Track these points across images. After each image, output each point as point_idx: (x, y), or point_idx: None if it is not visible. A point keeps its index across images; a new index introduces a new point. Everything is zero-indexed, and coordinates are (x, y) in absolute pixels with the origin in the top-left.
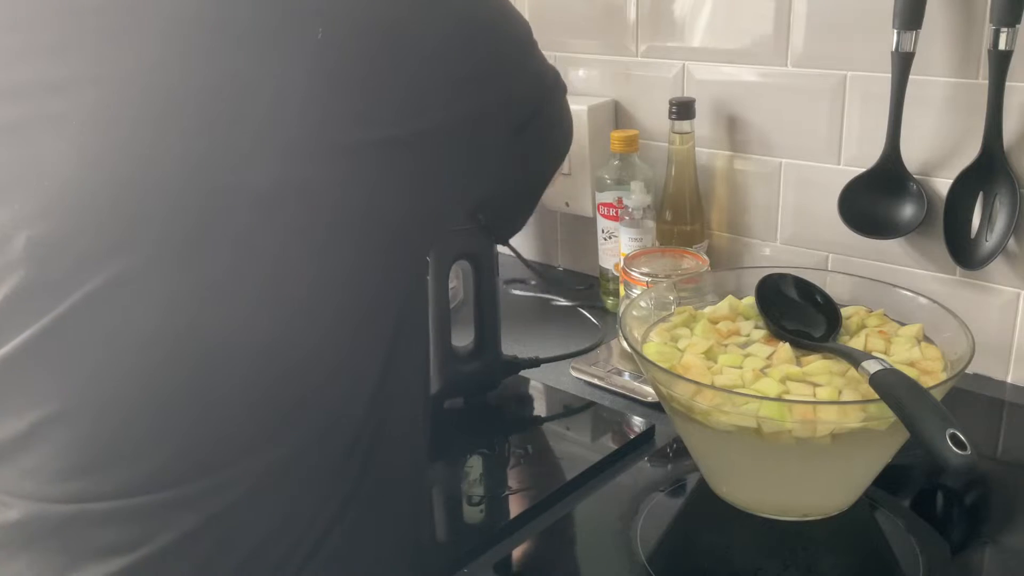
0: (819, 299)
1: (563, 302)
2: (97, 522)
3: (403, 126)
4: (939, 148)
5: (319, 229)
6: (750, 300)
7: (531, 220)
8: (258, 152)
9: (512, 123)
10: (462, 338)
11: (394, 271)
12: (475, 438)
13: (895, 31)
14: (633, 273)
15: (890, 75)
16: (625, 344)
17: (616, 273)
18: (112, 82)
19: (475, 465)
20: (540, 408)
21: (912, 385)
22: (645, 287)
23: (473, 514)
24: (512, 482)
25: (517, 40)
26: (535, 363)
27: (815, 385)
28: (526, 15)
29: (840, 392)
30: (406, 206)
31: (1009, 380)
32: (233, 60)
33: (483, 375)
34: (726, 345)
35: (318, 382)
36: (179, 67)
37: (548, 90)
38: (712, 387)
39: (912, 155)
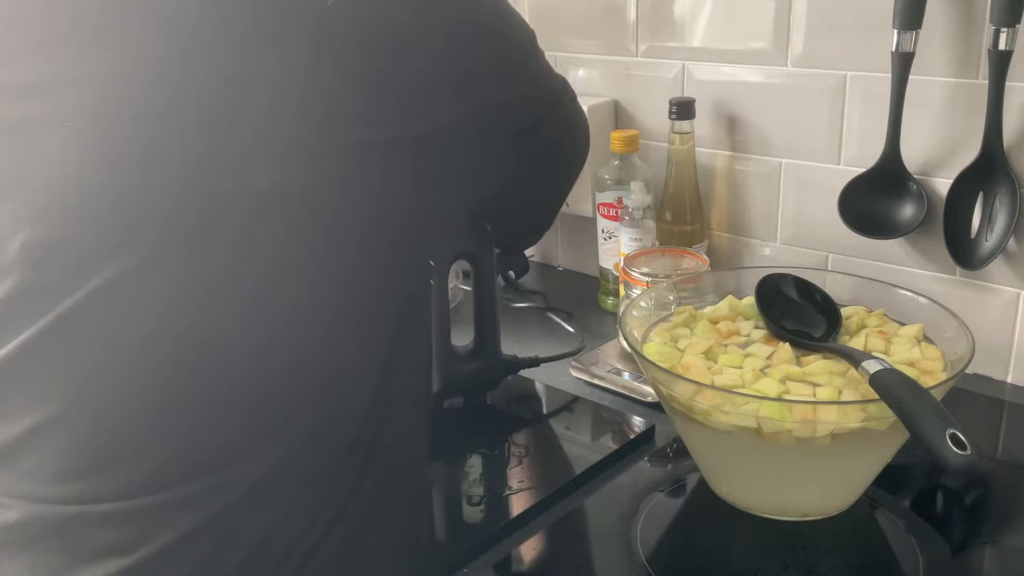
0: (819, 299)
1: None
2: (96, 523)
3: (402, 126)
4: (939, 148)
5: (319, 229)
6: (750, 300)
7: None
8: (258, 153)
9: (513, 126)
10: (462, 338)
11: (394, 271)
12: (475, 438)
13: (895, 31)
14: (633, 273)
15: (890, 75)
16: (625, 344)
17: (616, 273)
18: (112, 82)
19: (475, 465)
20: (540, 408)
21: (912, 385)
22: (645, 287)
23: (473, 514)
24: (512, 482)
25: (518, 43)
26: (534, 362)
27: (815, 385)
28: (526, 15)
29: (840, 392)
30: (406, 206)
31: (1009, 380)
32: (233, 61)
33: (483, 374)
34: (726, 345)
35: (318, 382)
36: (179, 68)
37: (552, 95)
38: (712, 387)
39: (912, 155)
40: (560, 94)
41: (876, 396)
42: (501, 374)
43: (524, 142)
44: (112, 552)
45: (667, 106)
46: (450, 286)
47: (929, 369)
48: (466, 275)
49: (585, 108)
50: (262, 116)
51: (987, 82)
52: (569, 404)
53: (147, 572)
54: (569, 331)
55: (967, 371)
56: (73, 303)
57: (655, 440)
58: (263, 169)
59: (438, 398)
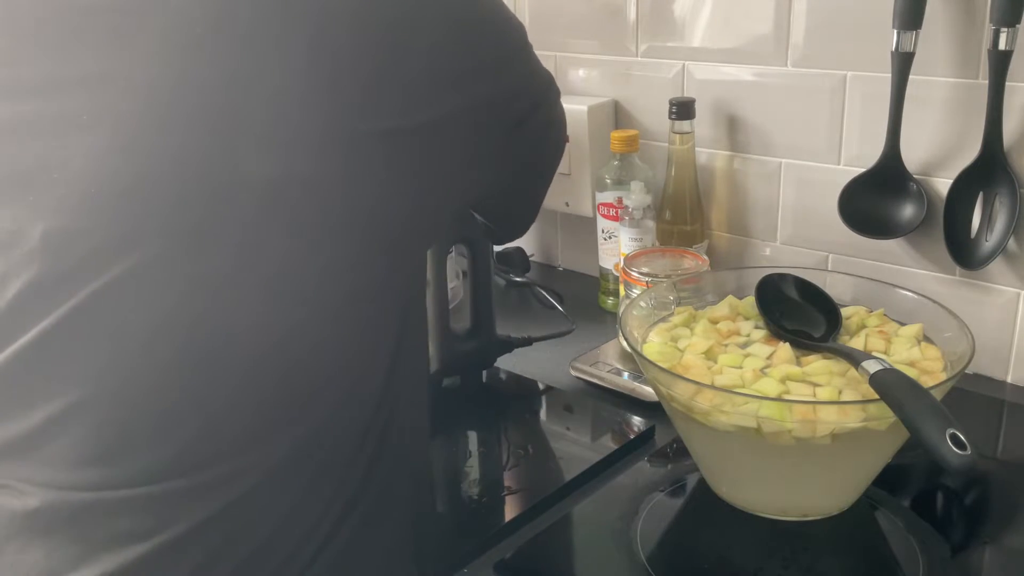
0: (819, 299)
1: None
2: (114, 510)
3: (404, 118)
4: (939, 148)
5: (325, 221)
6: (750, 300)
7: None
8: (261, 147)
9: (509, 119)
10: (457, 320)
11: (399, 262)
12: (475, 438)
13: (895, 31)
14: (633, 273)
15: (890, 75)
16: (625, 344)
17: (616, 273)
18: (118, 80)
19: (475, 465)
20: (540, 408)
21: (912, 385)
22: (645, 287)
23: (473, 514)
24: (512, 482)
25: (512, 37)
26: (527, 342)
27: (815, 385)
28: (526, 15)
29: (840, 392)
30: (409, 200)
31: (1009, 380)
32: (235, 57)
33: (480, 354)
34: (726, 345)
35: (329, 370)
36: (182, 65)
37: (544, 89)
38: (712, 387)
39: (912, 155)
40: (548, 89)
41: (876, 396)
42: (496, 353)
43: (518, 135)
44: (129, 539)
45: (667, 106)
46: (450, 285)
47: (929, 369)
48: (465, 275)
49: (585, 108)
50: (264, 112)
51: (987, 82)
52: (569, 404)
53: (163, 559)
54: (559, 311)
55: (967, 371)
56: (91, 292)
57: (655, 440)
58: (267, 163)
59: (437, 376)
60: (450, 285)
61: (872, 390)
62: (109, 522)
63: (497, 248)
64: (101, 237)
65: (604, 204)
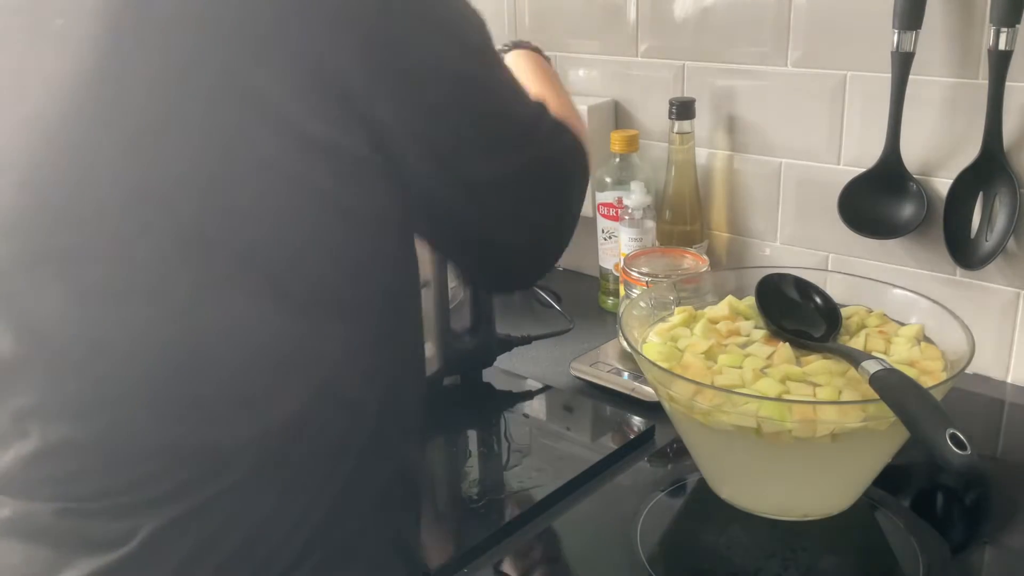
0: (819, 299)
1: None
2: (88, 518)
3: (400, 110)
4: (939, 148)
5: (312, 221)
6: (750, 300)
7: None
8: (249, 146)
9: (483, 146)
10: (457, 320)
11: (395, 259)
12: (475, 438)
13: (895, 31)
14: (633, 273)
15: (890, 75)
16: (625, 344)
17: (616, 273)
18: (106, 81)
19: (474, 465)
20: (540, 408)
21: (912, 385)
22: (645, 287)
23: (473, 514)
24: (512, 482)
25: (476, 44)
26: (527, 340)
27: (815, 385)
28: (526, 15)
29: (840, 392)
30: (392, 196)
31: (1009, 380)
32: (221, 57)
33: (480, 352)
34: (726, 345)
35: (323, 370)
36: (173, 69)
37: (525, 116)
38: (712, 387)
39: (912, 155)
40: (536, 119)
41: (876, 396)
42: (496, 352)
43: (497, 163)
44: (105, 545)
45: (667, 106)
46: (450, 285)
47: (929, 369)
48: None
49: (585, 108)
50: (249, 113)
51: (987, 82)
52: (569, 404)
53: (142, 561)
54: (557, 310)
55: (967, 371)
56: (52, 304)
57: (655, 440)
58: (255, 163)
59: (438, 376)
60: (450, 285)
61: (872, 390)
62: (84, 529)
63: None
64: (46, 246)
65: (604, 204)
